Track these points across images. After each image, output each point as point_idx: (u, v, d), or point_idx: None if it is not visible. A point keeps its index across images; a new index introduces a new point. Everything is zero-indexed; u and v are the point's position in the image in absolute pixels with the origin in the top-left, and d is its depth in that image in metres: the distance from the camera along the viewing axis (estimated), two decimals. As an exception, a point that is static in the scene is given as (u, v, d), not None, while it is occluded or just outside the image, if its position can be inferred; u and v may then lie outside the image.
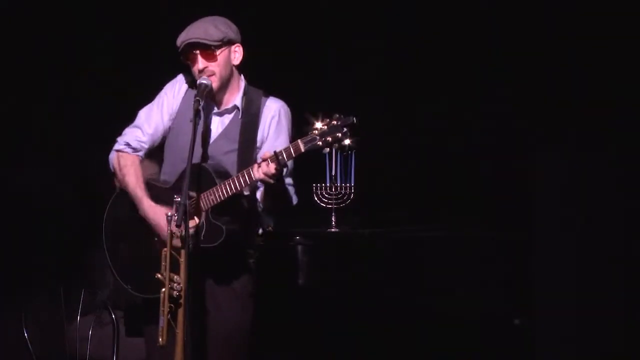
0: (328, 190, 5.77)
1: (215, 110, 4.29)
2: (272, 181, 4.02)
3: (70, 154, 6.15)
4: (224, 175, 4.15)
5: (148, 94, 4.40)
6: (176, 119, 4.30)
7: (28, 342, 4.83)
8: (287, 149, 3.97)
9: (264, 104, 4.30)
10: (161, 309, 3.92)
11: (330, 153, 5.70)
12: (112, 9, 6.15)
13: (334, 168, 5.77)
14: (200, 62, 4.18)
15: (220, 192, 4.10)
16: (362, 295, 5.47)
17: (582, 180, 5.64)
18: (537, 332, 5.62)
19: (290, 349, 5.43)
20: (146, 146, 4.33)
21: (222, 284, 4.23)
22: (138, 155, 4.32)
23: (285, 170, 4.06)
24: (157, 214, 4.15)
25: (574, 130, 5.75)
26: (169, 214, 3.91)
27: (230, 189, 4.08)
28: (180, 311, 3.91)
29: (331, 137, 3.91)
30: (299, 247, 5.43)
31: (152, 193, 4.23)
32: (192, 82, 4.30)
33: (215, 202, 4.11)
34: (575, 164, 5.66)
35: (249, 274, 4.29)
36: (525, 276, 5.60)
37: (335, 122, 3.92)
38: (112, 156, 4.35)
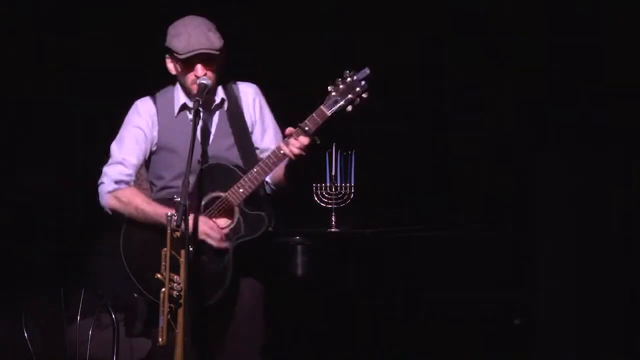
0: (328, 190, 5.77)
1: (203, 111, 4.28)
2: (303, 154, 4.01)
3: (70, 154, 6.15)
4: (241, 168, 4.17)
5: (148, 94, 4.40)
6: (162, 139, 4.28)
7: (28, 342, 4.83)
8: (311, 119, 3.98)
9: (239, 90, 4.32)
10: (161, 309, 3.92)
11: (330, 153, 5.71)
12: (112, 9, 6.15)
13: (334, 168, 5.77)
14: (200, 70, 4.18)
15: (251, 181, 4.09)
16: (362, 295, 5.47)
17: (582, 180, 5.64)
18: (537, 332, 5.62)
19: (290, 349, 5.43)
20: (133, 177, 4.29)
21: (249, 283, 4.26)
22: (132, 187, 4.28)
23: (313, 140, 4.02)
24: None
25: (574, 130, 5.75)
26: (169, 213, 3.91)
27: (259, 175, 4.09)
28: (180, 311, 3.91)
29: (352, 94, 3.92)
30: (299, 247, 5.44)
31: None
32: (155, 101, 4.28)
33: (246, 193, 4.10)
34: (576, 163, 5.66)
35: (260, 272, 4.31)
36: (525, 276, 5.60)
37: (350, 79, 3.90)
38: (106, 201, 4.26)
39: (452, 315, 5.49)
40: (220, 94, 4.30)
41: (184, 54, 4.15)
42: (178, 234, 3.88)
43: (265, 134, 4.33)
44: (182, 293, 3.91)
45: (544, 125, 5.90)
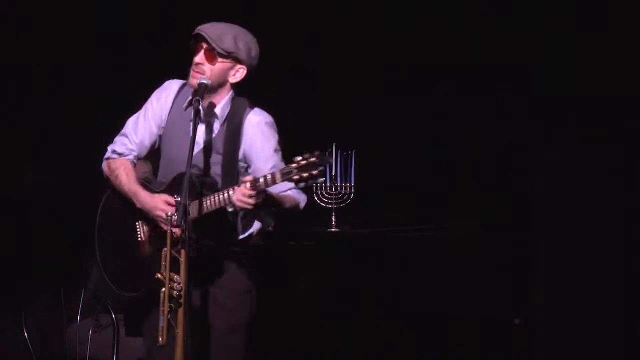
0: (328, 190, 5.77)
1: (203, 116, 4.26)
2: (249, 206, 4.03)
3: (70, 154, 6.15)
4: (210, 187, 4.16)
5: (148, 94, 4.40)
6: (167, 126, 4.30)
7: (28, 342, 4.83)
8: (265, 177, 4.01)
9: (247, 116, 4.27)
10: (161, 308, 3.92)
11: (330, 153, 5.72)
12: (115, 7, 6.15)
13: (334, 168, 5.77)
14: (199, 57, 4.18)
15: (204, 206, 4.11)
16: (362, 295, 5.47)
17: (582, 178, 5.64)
18: (537, 332, 5.62)
19: (290, 349, 5.43)
20: (135, 152, 4.31)
21: (214, 284, 4.24)
22: (127, 159, 4.32)
23: (261, 197, 4.05)
24: (155, 199, 4.16)
25: (575, 127, 5.76)
26: (169, 213, 3.91)
27: (207, 206, 4.10)
28: (180, 311, 3.91)
29: (306, 174, 3.96)
30: (299, 247, 5.44)
31: (147, 192, 4.24)
32: (181, 87, 4.30)
33: (195, 215, 4.10)
34: (576, 163, 5.66)
35: (242, 270, 4.28)
36: (525, 276, 5.60)
37: (313, 160, 3.96)
38: (103, 165, 4.37)
39: (452, 315, 5.49)
40: (217, 108, 4.27)
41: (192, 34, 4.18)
42: (178, 232, 3.89)
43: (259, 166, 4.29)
44: (182, 293, 3.92)
45: (544, 124, 5.90)
